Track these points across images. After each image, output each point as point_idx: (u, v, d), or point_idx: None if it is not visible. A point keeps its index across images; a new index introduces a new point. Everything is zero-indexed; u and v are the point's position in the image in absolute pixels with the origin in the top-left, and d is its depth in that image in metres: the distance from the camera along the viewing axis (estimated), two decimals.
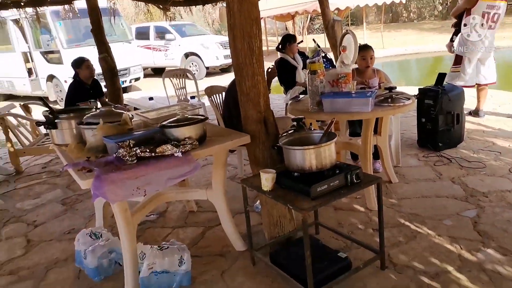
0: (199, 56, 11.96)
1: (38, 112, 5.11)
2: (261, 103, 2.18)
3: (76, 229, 2.76)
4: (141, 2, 5.60)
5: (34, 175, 4.03)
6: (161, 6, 5.68)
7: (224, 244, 2.38)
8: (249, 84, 2.14)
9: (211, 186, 2.28)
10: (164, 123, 2.03)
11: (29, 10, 5.40)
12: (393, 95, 2.57)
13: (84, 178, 1.70)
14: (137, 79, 10.73)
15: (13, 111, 4.37)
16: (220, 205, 2.27)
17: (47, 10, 8.53)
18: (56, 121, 2.16)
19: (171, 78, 5.22)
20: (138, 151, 1.85)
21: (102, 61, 5.03)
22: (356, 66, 3.06)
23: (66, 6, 5.25)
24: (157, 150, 1.87)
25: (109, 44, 5.09)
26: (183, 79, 5.28)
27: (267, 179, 1.80)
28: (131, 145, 1.87)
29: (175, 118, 2.07)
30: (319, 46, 4.61)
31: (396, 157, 3.32)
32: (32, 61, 9.84)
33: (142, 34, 12.89)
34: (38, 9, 5.29)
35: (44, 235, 2.77)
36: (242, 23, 2.08)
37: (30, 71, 9.97)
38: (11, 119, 4.10)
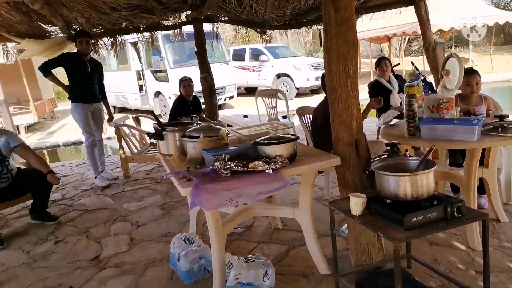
0: (290, 77, 12.24)
1: (145, 124, 5.74)
2: (353, 126, 2.16)
3: (172, 233, 3.00)
4: (240, 26, 5.97)
5: (139, 180, 4.49)
6: (258, 30, 6.00)
7: (308, 265, 2.37)
8: (342, 106, 2.15)
9: (298, 205, 2.31)
10: (257, 140, 2.13)
11: (146, 34, 6.13)
12: (505, 124, 2.33)
13: (184, 186, 1.86)
14: (231, 97, 11.36)
15: (127, 122, 4.98)
16: (306, 225, 2.28)
17: (159, 34, 9.59)
18: (163, 133, 2.41)
19: (264, 98, 5.44)
20: (232, 165, 1.97)
21: (203, 80, 5.46)
22: (459, 91, 2.86)
23: (177, 31, 5.84)
24: (249, 166, 1.97)
25: (210, 65, 5.53)
26: (275, 99, 5.46)
27: (356, 204, 1.77)
28: (226, 159, 2.01)
29: (267, 136, 2.16)
30: (417, 69, 4.39)
31: (506, 193, 2.97)
32: (143, 78, 11.08)
33: (238, 55, 13.68)
34: (153, 33, 5.98)
35: (145, 235, 3.06)
36: (338, 46, 2.10)
37: (141, 88, 11.23)
38: (124, 129, 4.67)
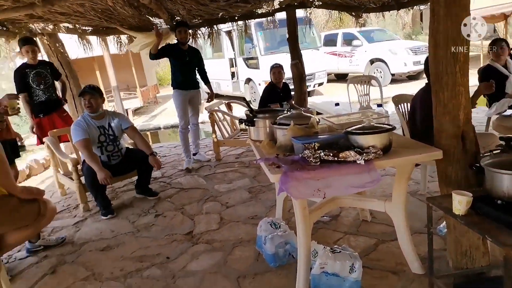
0: (385, 62, 11.53)
1: (236, 110, 5.94)
2: (460, 116, 1.95)
3: (258, 216, 3.09)
4: (334, 10, 5.77)
5: (229, 163, 4.70)
6: (353, 14, 5.73)
7: (399, 261, 2.24)
8: (448, 94, 1.95)
9: (390, 198, 2.18)
10: (349, 129, 2.05)
11: (239, 22, 6.30)
12: None
13: (273, 173, 1.88)
14: (320, 84, 11.16)
15: (220, 107, 5.23)
16: (399, 220, 2.16)
17: (252, 22, 9.79)
18: (254, 119, 2.47)
19: (355, 84, 5.22)
20: (322, 154, 1.93)
21: (294, 67, 5.44)
22: None
23: (269, 18, 5.89)
24: (340, 155, 1.91)
25: (300, 51, 5.49)
26: (368, 86, 5.20)
27: (460, 202, 1.60)
28: (316, 148, 1.98)
29: (360, 126, 2.06)
30: None
31: None
32: (235, 66, 11.47)
33: (330, 41, 13.29)
34: (246, 21, 6.11)
35: (233, 216, 3.20)
36: (447, 28, 1.90)
37: (233, 75, 11.65)
38: (218, 114, 4.90)
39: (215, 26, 5.74)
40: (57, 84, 4.46)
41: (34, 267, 2.73)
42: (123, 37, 5.91)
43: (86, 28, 5.30)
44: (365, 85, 5.26)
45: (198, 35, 5.89)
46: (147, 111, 12.69)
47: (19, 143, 3.69)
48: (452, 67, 1.92)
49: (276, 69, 4.69)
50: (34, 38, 4.41)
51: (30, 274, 2.64)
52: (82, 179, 3.45)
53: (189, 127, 4.66)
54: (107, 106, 11.94)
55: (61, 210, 3.77)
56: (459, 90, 1.94)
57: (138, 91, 12.57)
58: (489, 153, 1.83)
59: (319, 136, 2.18)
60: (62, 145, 4.39)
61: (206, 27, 5.70)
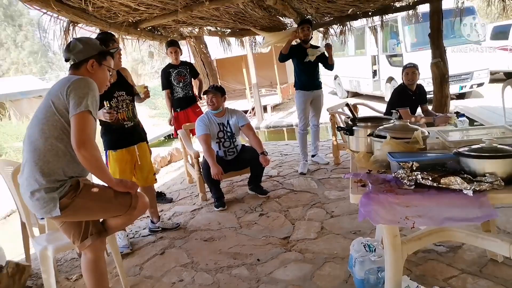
0: None
1: (363, 111, 5.57)
2: None
3: (362, 232, 2.83)
4: None
5: (347, 168, 4.45)
6: None
7: None
8: None
9: None
10: (461, 149, 1.66)
11: (387, 17, 5.77)
12: None
13: (354, 192, 1.67)
14: (480, 85, 9.52)
15: (346, 109, 4.97)
16: None
17: (399, 16, 8.99)
18: (353, 128, 2.24)
19: None
20: (419, 176, 1.62)
21: (434, 67, 4.78)
22: None
23: (411, 11, 5.29)
24: (441, 181, 1.57)
25: (455, 47, 4.73)
26: None
27: None
28: (414, 168, 1.67)
29: (478, 146, 1.65)
30: None
31: None
32: (377, 63, 10.77)
33: (500, 33, 11.20)
34: (383, 16, 5.62)
35: (335, 227, 3.01)
36: None
37: (374, 73, 10.97)
38: (340, 116, 4.68)
39: (348, 23, 5.48)
40: (195, 83, 4.97)
41: (150, 245, 3.12)
42: (258, 38, 6.20)
43: (225, 30, 5.74)
44: None
45: (331, 33, 5.72)
46: (286, 108, 13.09)
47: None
48: None
49: (410, 69, 4.18)
50: (178, 41, 4.99)
51: (145, 251, 3.03)
52: None
53: (308, 128, 4.59)
54: (249, 101, 12.83)
55: (185, 196, 4.21)
56: None
57: (278, 87, 13.07)
58: None
59: (424, 154, 1.85)
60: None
61: (338, 24, 5.49)
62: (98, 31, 3.82)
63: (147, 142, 3.21)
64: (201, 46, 5.95)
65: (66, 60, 2.03)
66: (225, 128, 3.72)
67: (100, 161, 1.85)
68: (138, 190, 2.09)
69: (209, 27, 5.61)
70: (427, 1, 4.76)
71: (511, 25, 11.03)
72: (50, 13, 3.30)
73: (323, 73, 12.93)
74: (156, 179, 3.28)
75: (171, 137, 10.43)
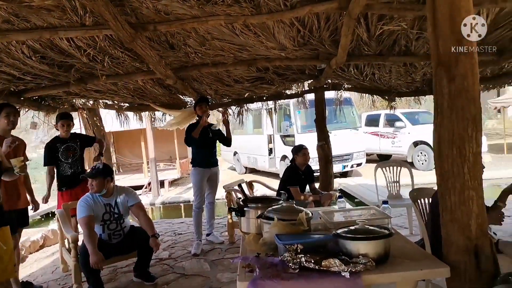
0: (430, 146, 10.99)
1: (261, 190, 5.75)
2: (472, 227, 1.63)
3: None
4: (365, 94, 5.68)
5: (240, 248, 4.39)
6: (386, 97, 5.61)
7: None
8: (455, 199, 1.65)
9: None
10: (339, 231, 1.78)
11: (280, 101, 6.32)
12: None
13: (242, 279, 1.63)
14: (359, 165, 10.77)
15: (243, 186, 5.05)
16: None
17: (291, 102, 9.99)
18: (244, 209, 2.26)
19: (384, 169, 4.83)
20: (303, 259, 1.66)
21: (319, 149, 5.27)
22: None
23: (300, 99, 5.92)
24: (322, 263, 1.63)
25: (337, 131, 5.31)
26: (398, 171, 4.78)
27: None
28: (298, 250, 1.71)
29: (352, 228, 1.79)
30: None
31: None
32: (273, 142, 11.54)
33: (372, 121, 13.14)
34: (277, 101, 6.18)
35: None
36: (452, 123, 1.68)
37: (270, 151, 11.67)
38: (236, 194, 4.73)
39: (245, 105, 5.85)
40: (91, 150, 4.45)
41: None
42: (158, 113, 6.18)
43: (123, 104, 5.62)
44: (395, 170, 4.84)
45: (229, 113, 6.01)
46: (184, 183, 12.85)
47: (31, 210, 3.71)
48: (459, 167, 1.65)
49: (306, 151, 4.47)
50: (71, 113, 4.65)
51: None
52: None
53: (203, 206, 4.51)
54: (146, 176, 12.34)
55: None
56: (469, 195, 1.64)
57: (178, 162, 12.93)
58: (510, 277, 1.46)
59: (309, 236, 1.92)
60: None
61: (235, 106, 5.82)
62: None
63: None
64: (95, 118, 5.68)
65: None
66: (112, 210, 3.39)
67: None
68: None
69: (105, 100, 5.43)
70: (312, 91, 5.40)
71: (380, 114, 13.09)
72: None
73: (224, 149, 13.35)
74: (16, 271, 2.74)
75: (50, 215, 9.31)
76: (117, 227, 3.39)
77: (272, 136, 11.56)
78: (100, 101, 5.40)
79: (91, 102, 5.38)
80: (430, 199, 2.57)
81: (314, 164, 5.41)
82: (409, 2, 2.60)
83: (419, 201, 2.67)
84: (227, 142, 4.65)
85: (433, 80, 1.77)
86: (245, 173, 12.98)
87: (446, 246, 1.69)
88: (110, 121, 6.29)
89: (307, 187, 4.61)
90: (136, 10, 2.56)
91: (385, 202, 2.33)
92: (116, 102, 5.50)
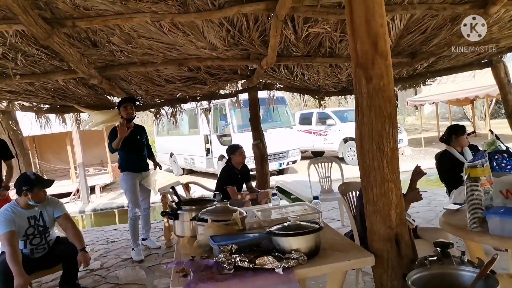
0: None
1: (198, 191, 5.67)
2: (392, 216, 1.75)
3: None
4: (297, 93, 5.88)
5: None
6: (316, 96, 5.85)
7: None
8: (377, 192, 1.77)
9: None
10: (272, 229, 1.81)
11: (213, 101, 6.27)
12: None
13: (175, 285, 1.59)
14: (294, 162, 11.12)
15: (179, 188, 4.94)
16: None
17: (226, 101, 9.98)
18: (178, 212, 2.21)
19: (316, 165, 5.06)
20: (238, 259, 1.66)
21: (255, 148, 5.34)
22: None
23: (234, 98, 5.94)
24: (256, 261, 1.64)
25: (273, 129, 5.39)
26: (329, 167, 5.03)
27: None
28: (233, 250, 1.71)
29: (284, 224, 1.83)
30: (498, 138, 3.73)
31: None
32: (210, 142, 11.46)
33: (306, 119, 13.64)
34: (211, 101, 6.13)
35: None
36: (371, 120, 1.78)
37: (207, 151, 11.57)
38: (171, 196, 4.61)
39: (178, 105, 5.72)
40: (4, 166, 4.09)
41: None
42: (84, 115, 5.80)
43: (42, 106, 5.18)
44: (327, 166, 5.08)
45: (161, 114, 5.84)
46: (118, 188, 12.21)
47: None
48: (379, 161, 1.76)
49: (242, 150, 4.49)
50: None
51: None
52: None
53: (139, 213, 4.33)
54: (74, 182, 11.54)
55: None
56: (388, 187, 1.76)
57: (109, 166, 12.28)
58: (425, 261, 1.59)
59: (243, 235, 1.93)
60: None
61: (168, 107, 5.66)
62: None
63: None
64: (10, 122, 5.16)
65: None
66: (37, 222, 3.09)
67: None
68: None
69: (21, 102, 4.96)
70: (245, 91, 5.45)
71: (313, 113, 13.64)
72: None
73: (159, 151, 12.84)
74: None
75: None
76: (41, 241, 3.11)
77: (209, 136, 11.46)
78: (16, 102, 4.93)
79: (4, 104, 4.89)
80: (357, 192, 2.73)
81: (251, 163, 5.48)
82: (332, 6, 2.72)
83: (348, 194, 2.82)
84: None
85: (353, 80, 1.88)
86: (183, 174, 12.72)
87: (371, 235, 1.80)
88: (29, 124, 5.76)
89: (244, 186, 4.65)
90: (50, 4, 2.37)
91: (315, 197, 2.42)
92: (34, 103, 5.06)
